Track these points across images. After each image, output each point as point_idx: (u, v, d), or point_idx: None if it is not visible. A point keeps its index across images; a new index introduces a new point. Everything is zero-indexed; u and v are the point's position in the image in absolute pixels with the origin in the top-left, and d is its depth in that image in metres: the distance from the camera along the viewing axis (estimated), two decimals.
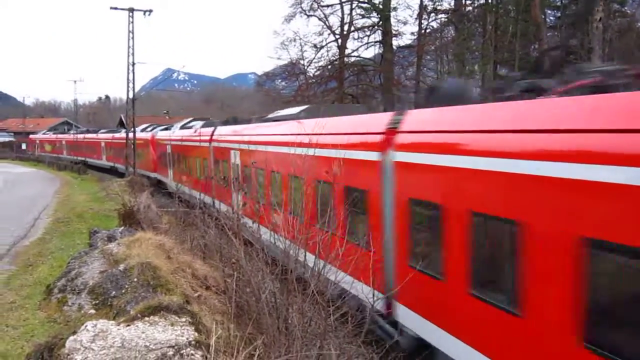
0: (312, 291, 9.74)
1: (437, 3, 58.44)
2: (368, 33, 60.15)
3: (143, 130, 59.49)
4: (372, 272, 10.31)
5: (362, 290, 10.63)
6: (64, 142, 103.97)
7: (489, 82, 46.76)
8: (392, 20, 58.03)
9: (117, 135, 70.08)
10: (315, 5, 59.69)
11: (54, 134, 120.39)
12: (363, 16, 60.51)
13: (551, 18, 55.18)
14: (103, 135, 78.89)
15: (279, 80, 67.23)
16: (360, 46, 61.50)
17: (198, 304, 11.48)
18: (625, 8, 50.67)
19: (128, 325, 8.65)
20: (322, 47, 60.53)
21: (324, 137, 15.01)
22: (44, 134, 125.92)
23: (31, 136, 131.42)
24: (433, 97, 13.19)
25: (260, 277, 10.61)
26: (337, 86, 59.27)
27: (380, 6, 57.80)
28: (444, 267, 10.50)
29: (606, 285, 7.35)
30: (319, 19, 60.46)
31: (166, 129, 49.59)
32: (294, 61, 61.93)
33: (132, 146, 56.67)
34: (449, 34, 61.10)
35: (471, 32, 54.49)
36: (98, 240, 18.57)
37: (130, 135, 57.44)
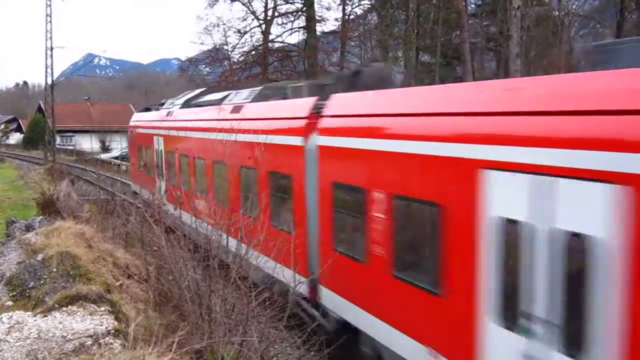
0: (235, 277, 9.75)
1: None
2: (292, 19, 59.91)
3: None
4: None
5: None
6: None
7: (412, 68, 47.59)
8: (316, 6, 58.00)
9: None
10: None
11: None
12: (287, 1, 60.26)
13: (472, 6, 56.43)
14: None
15: (203, 66, 66.37)
16: (285, 32, 61.19)
17: (119, 293, 11.30)
18: None
19: (45, 316, 8.46)
20: (245, 32, 59.97)
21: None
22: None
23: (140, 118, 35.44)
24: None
25: (182, 264, 10.52)
26: (261, 72, 58.92)
27: None
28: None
29: None
30: (243, 4, 59.80)
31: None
32: (217, 46, 61.26)
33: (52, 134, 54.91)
34: (372, 20, 61.64)
35: (394, 19, 55.08)
36: (16, 230, 17.98)
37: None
